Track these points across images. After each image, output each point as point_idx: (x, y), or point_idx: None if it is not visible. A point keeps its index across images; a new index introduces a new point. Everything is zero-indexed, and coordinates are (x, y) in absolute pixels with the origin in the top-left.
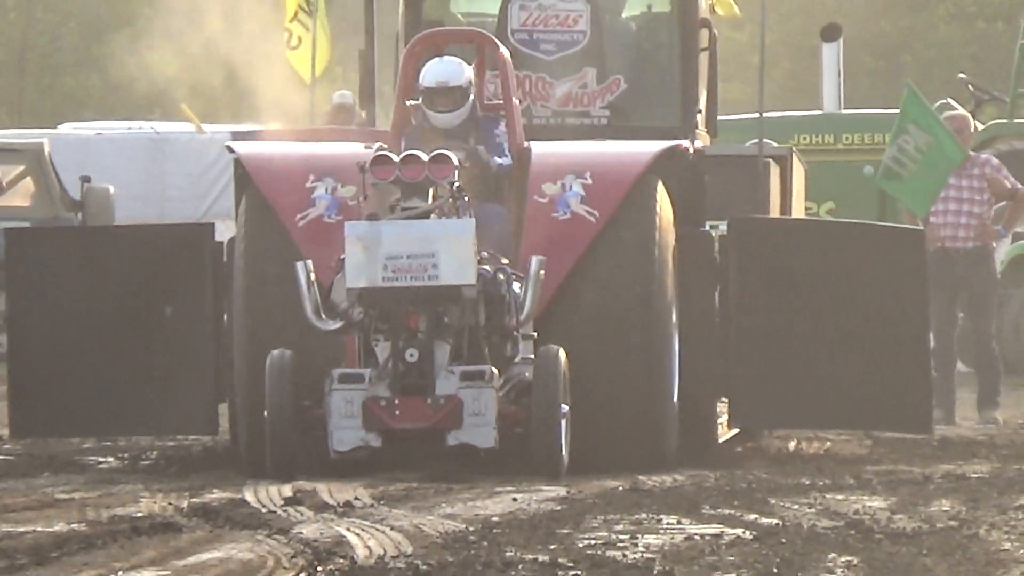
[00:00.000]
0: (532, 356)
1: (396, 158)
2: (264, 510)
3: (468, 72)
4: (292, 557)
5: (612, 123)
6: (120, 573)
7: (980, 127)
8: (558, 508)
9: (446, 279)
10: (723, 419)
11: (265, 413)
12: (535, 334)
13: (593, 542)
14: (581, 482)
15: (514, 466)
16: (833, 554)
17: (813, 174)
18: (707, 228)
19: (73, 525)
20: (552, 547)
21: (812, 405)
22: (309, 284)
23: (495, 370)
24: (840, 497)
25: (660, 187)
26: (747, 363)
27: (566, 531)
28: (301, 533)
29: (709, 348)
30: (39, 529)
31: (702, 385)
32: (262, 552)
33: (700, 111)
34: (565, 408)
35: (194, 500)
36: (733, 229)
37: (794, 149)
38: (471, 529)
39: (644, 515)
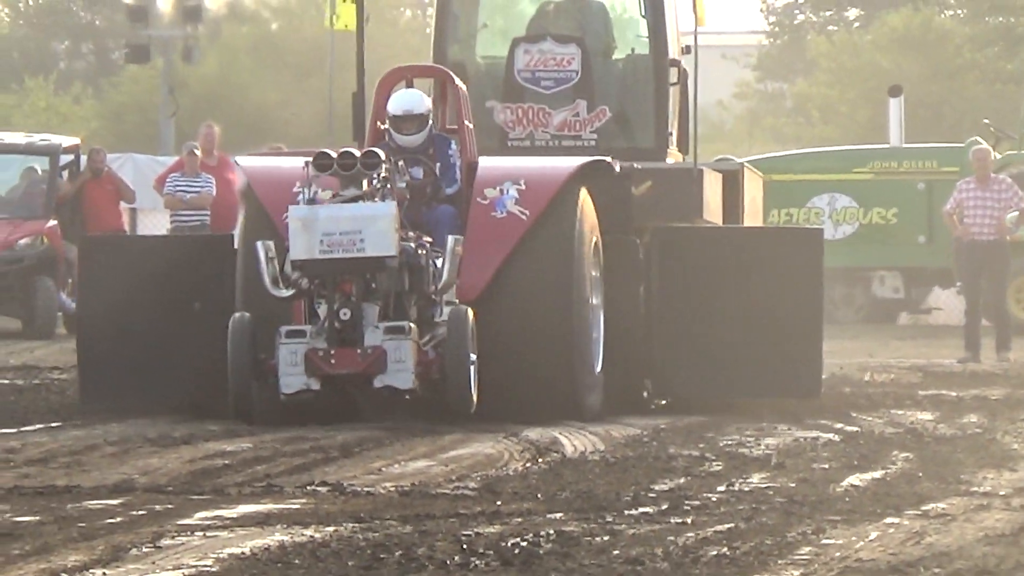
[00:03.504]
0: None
1: (334, 155)
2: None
3: (427, 102)
4: (521, 452)
5: (599, 145)
6: (400, 462)
7: (998, 156)
8: (705, 419)
9: (371, 251)
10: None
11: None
12: (456, 300)
13: (729, 442)
14: (720, 405)
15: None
16: (895, 451)
17: (883, 189)
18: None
19: (367, 431)
20: (701, 446)
21: (720, 378)
22: (268, 260)
23: (413, 326)
24: (900, 412)
25: (584, 193)
26: (666, 346)
27: (710, 435)
28: (528, 436)
29: (635, 334)
30: (343, 434)
31: (630, 363)
32: (500, 449)
33: (671, 134)
34: (473, 357)
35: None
36: (654, 237)
37: (746, 165)
38: (645, 433)
39: (764, 424)
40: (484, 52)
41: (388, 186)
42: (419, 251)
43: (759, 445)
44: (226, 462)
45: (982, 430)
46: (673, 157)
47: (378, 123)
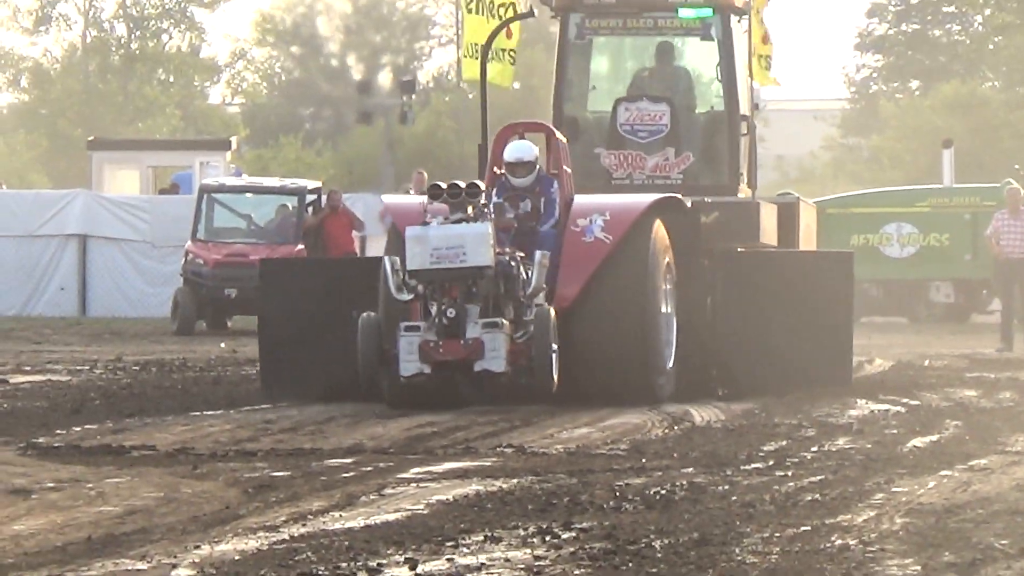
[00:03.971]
0: None
1: (444, 186)
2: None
3: (535, 150)
4: (661, 421)
5: (684, 183)
6: (568, 429)
7: None
8: (801, 396)
9: (471, 262)
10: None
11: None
12: (544, 304)
13: (820, 414)
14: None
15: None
16: (948, 420)
17: (938, 219)
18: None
19: (543, 407)
20: (798, 416)
21: (771, 371)
22: (394, 272)
23: (506, 321)
24: (951, 390)
25: (658, 223)
26: (728, 346)
27: (806, 407)
28: (666, 409)
29: (703, 337)
30: (523, 409)
31: (700, 360)
32: (645, 419)
33: (742, 174)
34: (555, 347)
35: None
36: (718, 259)
37: (800, 197)
38: (755, 407)
39: (848, 399)
40: (593, 108)
41: (486, 211)
42: (511, 263)
43: (843, 415)
44: (434, 430)
45: (1014, 403)
46: (743, 192)
47: (495, 168)
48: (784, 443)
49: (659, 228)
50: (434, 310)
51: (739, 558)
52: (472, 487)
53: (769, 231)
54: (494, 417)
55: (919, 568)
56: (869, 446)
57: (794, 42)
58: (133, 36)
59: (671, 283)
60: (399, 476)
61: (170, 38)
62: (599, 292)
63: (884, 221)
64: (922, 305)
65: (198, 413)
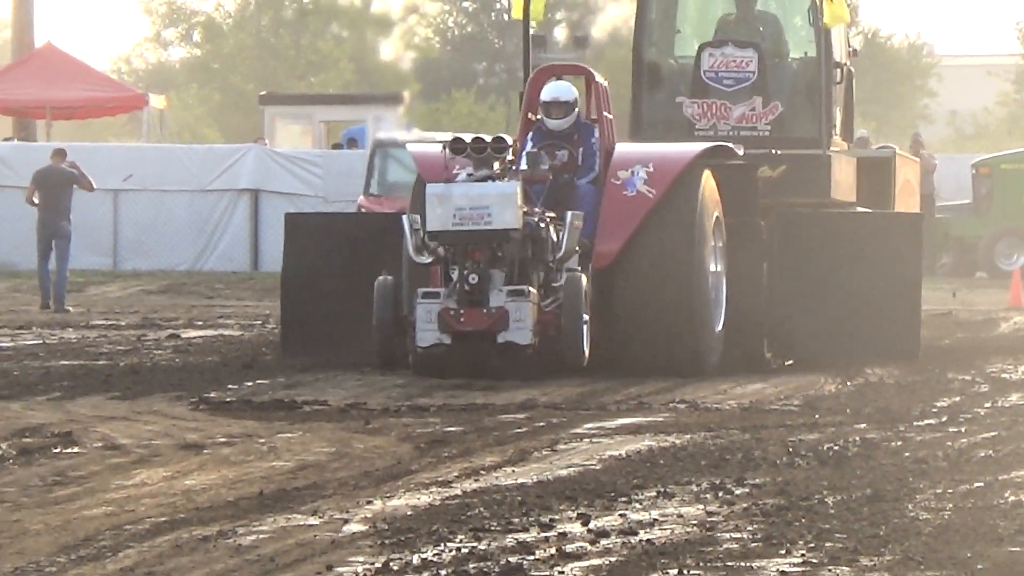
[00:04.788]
0: None
1: (467, 139)
2: None
3: (574, 92)
4: (834, 377)
5: (772, 135)
6: (741, 384)
7: None
8: (974, 349)
9: (497, 224)
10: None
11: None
12: (577, 269)
13: (993, 370)
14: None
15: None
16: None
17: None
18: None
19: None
20: (972, 372)
21: (832, 342)
22: (413, 231)
23: (533, 289)
24: (979, 361)
25: (707, 174)
26: (785, 313)
27: (979, 362)
28: (837, 365)
29: (758, 303)
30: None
31: (752, 327)
32: (818, 375)
33: (835, 126)
34: (586, 317)
35: None
36: (777, 219)
37: (897, 151)
38: (928, 363)
39: (1021, 355)
40: (677, 53)
41: (513, 168)
42: (541, 225)
43: (1016, 371)
44: (606, 385)
45: None
46: (837, 146)
47: (529, 114)
48: (957, 399)
49: (708, 180)
50: (455, 275)
51: (912, 514)
52: (645, 443)
53: (845, 186)
54: (667, 373)
55: None
56: None
57: None
58: None
59: (721, 240)
60: (571, 432)
61: None
62: (641, 250)
63: None
64: None
65: (370, 368)
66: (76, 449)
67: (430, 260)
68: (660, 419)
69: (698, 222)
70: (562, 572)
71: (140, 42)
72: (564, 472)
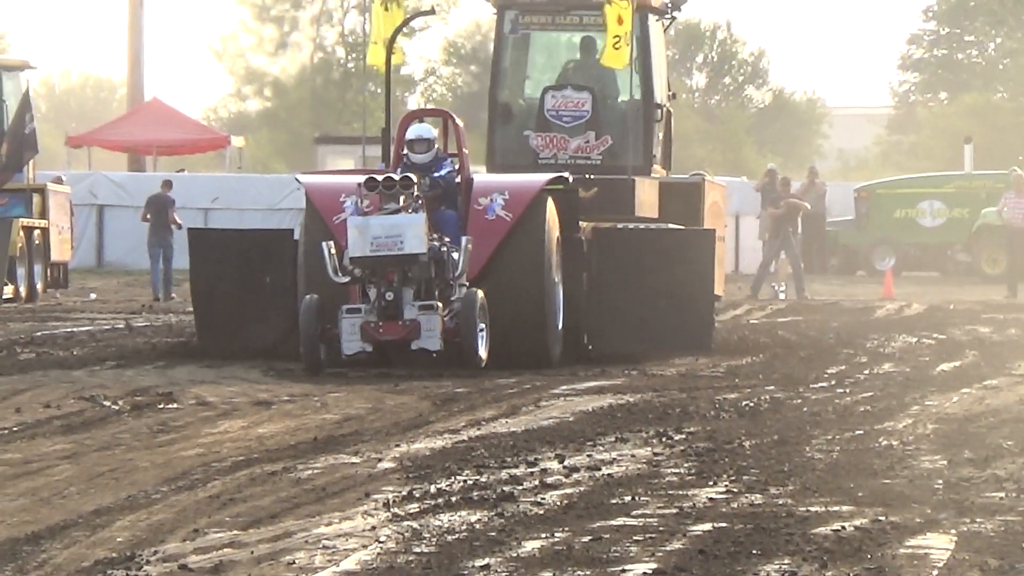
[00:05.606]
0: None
1: (380, 178)
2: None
3: (434, 131)
4: (755, 352)
5: (603, 164)
6: (677, 361)
7: None
8: (862, 330)
9: (408, 250)
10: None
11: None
12: (467, 284)
13: (871, 344)
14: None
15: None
16: (967, 350)
17: (961, 198)
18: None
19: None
20: (854, 347)
21: (638, 336)
22: (330, 255)
23: (440, 304)
24: (970, 327)
25: (550, 201)
26: (599, 313)
27: (859, 340)
28: (759, 339)
29: (579, 304)
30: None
31: (575, 324)
32: (741, 352)
33: (655, 156)
34: (482, 326)
35: None
36: (594, 235)
37: (706, 176)
38: (831, 335)
39: (892, 334)
40: (525, 95)
41: (420, 201)
42: (442, 249)
43: (888, 346)
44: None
45: (1019, 337)
46: (658, 172)
47: (400, 150)
48: (843, 367)
49: (551, 204)
50: (372, 293)
51: (809, 455)
52: (606, 400)
53: (647, 206)
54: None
55: (945, 463)
56: (908, 370)
57: (850, 62)
58: (349, 57)
59: (559, 255)
60: (551, 392)
61: None
62: (501, 266)
63: (920, 199)
64: (948, 263)
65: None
66: (175, 405)
67: (347, 280)
68: (617, 383)
69: (547, 240)
70: (544, 498)
71: (224, 96)
72: (545, 422)
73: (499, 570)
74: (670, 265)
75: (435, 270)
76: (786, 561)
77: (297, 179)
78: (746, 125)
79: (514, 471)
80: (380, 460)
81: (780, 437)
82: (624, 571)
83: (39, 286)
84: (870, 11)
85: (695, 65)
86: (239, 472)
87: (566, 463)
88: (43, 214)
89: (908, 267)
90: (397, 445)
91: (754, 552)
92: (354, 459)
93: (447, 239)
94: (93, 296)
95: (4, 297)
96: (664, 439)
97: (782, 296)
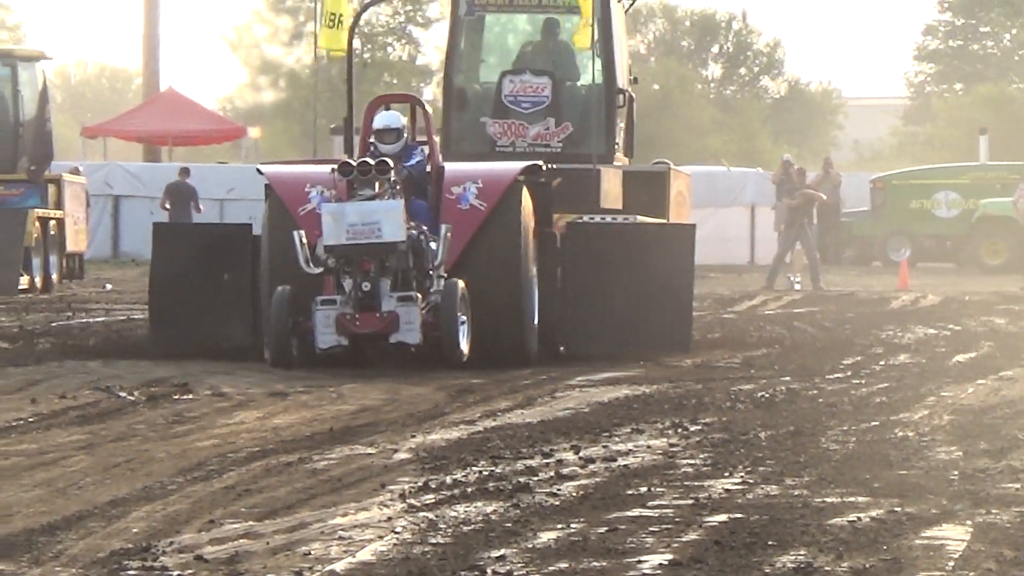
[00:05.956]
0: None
1: (355, 163)
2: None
3: (402, 119)
4: (769, 343)
5: (564, 152)
6: (697, 355)
7: None
8: (873, 321)
9: (387, 238)
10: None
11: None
12: (445, 275)
13: (886, 335)
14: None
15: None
16: (982, 341)
17: (976, 188)
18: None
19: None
20: (871, 337)
21: (611, 335)
22: (302, 245)
23: (419, 295)
24: (985, 318)
25: (524, 190)
26: (572, 311)
27: (874, 331)
28: (766, 329)
29: (552, 302)
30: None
31: (548, 321)
32: (757, 344)
33: (618, 144)
34: (463, 318)
35: None
36: (568, 229)
37: (671, 165)
38: (847, 326)
39: (908, 324)
40: (483, 79)
41: (397, 187)
42: (421, 237)
43: (904, 337)
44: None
45: None
46: (620, 161)
47: (367, 139)
48: (859, 358)
49: (526, 196)
50: (347, 284)
51: (824, 446)
52: (622, 391)
53: (612, 196)
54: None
55: (961, 454)
56: (923, 361)
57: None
58: (365, 48)
59: (535, 248)
60: (566, 383)
61: (393, 50)
62: (475, 258)
63: (935, 190)
64: (963, 254)
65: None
66: (190, 396)
67: (320, 271)
68: (633, 374)
69: (523, 231)
70: (559, 489)
71: (240, 86)
72: (561, 413)
73: (515, 561)
74: (649, 262)
75: (413, 260)
76: (802, 552)
77: (259, 170)
78: (762, 116)
79: (530, 462)
80: (396, 451)
81: (796, 428)
82: (640, 562)
83: (55, 277)
84: (885, 2)
85: (710, 56)
86: (255, 463)
87: (582, 454)
88: (58, 205)
89: (923, 258)
90: (413, 436)
91: (770, 543)
92: (370, 450)
93: (424, 227)
94: (109, 287)
95: (20, 288)
96: (680, 430)
97: (797, 287)
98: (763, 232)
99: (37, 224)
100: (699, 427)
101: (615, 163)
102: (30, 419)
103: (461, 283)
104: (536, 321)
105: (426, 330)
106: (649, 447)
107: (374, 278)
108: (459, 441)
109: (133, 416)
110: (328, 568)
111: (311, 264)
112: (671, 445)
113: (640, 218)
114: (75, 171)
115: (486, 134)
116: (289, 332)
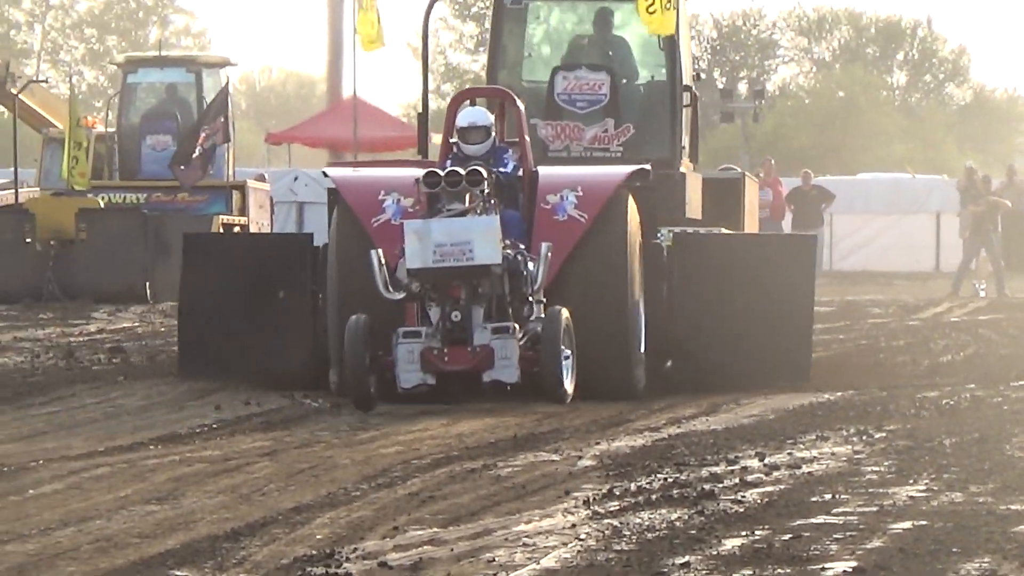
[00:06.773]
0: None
1: (442, 173)
2: None
3: (490, 116)
4: (947, 346)
5: (624, 156)
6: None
7: None
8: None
9: (479, 260)
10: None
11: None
12: (544, 300)
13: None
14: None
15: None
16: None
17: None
18: (659, 238)
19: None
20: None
21: (728, 363)
22: (380, 266)
23: (516, 326)
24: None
25: (630, 199)
26: (685, 337)
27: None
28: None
29: (660, 322)
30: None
31: (655, 344)
32: (937, 346)
33: (684, 148)
34: (568, 352)
35: None
36: (676, 241)
37: (745, 172)
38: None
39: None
40: (528, 77)
41: (492, 201)
42: (519, 257)
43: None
44: None
45: None
46: (685, 167)
47: (449, 138)
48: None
49: (632, 205)
50: (433, 313)
51: (1009, 453)
52: (806, 399)
53: (695, 205)
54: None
55: None
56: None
57: None
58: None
59: (641, 264)
60: (751, 390)
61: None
62: (575, 276)
63: None
64: None
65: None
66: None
67: (402, 296)
68: (816, 381)
69: (629, 246)
70: (744, 496)
71: None
72: (745, 420)
73: (699, 568)
74: (765, 277)
75: (508, 284)
76: (986, 559)
77: (325, 173)
78: (947, 123)
79: (714, 469)
80: (580, 458)
81: (981, 435)
82: (824, 569)
83: None
84: None
85: (895, 63)
86: (439, 469)
87: (766, 461)
88: (242, 211)
89: None
90: (597, 443)
91: (954, 550)
92: (554, 457)
93: (521, 246)
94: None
95: None
96: (864, 437)
97: (982, 294)
98: (948, 239)
99: (221, 230)
100: (884, 434)
101: (680, 169)
102: (214, 425)
103: (566, 312)
104: (643, 349)
105: (524, 366)
106: (834, 454)
107: (465, 307)
108: (644, 448)
109: (317, 423)
110: (513, 575)
111: (391, 289)
112: (855, 452)
113: (723, 230)
114: (260, 178)
115: (537, 138)
116: (367, 370)
